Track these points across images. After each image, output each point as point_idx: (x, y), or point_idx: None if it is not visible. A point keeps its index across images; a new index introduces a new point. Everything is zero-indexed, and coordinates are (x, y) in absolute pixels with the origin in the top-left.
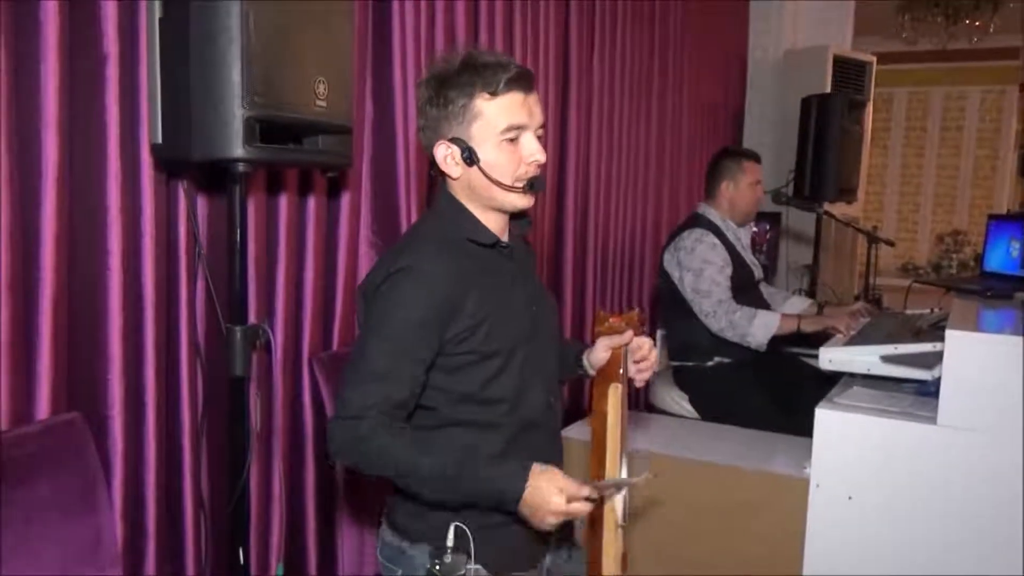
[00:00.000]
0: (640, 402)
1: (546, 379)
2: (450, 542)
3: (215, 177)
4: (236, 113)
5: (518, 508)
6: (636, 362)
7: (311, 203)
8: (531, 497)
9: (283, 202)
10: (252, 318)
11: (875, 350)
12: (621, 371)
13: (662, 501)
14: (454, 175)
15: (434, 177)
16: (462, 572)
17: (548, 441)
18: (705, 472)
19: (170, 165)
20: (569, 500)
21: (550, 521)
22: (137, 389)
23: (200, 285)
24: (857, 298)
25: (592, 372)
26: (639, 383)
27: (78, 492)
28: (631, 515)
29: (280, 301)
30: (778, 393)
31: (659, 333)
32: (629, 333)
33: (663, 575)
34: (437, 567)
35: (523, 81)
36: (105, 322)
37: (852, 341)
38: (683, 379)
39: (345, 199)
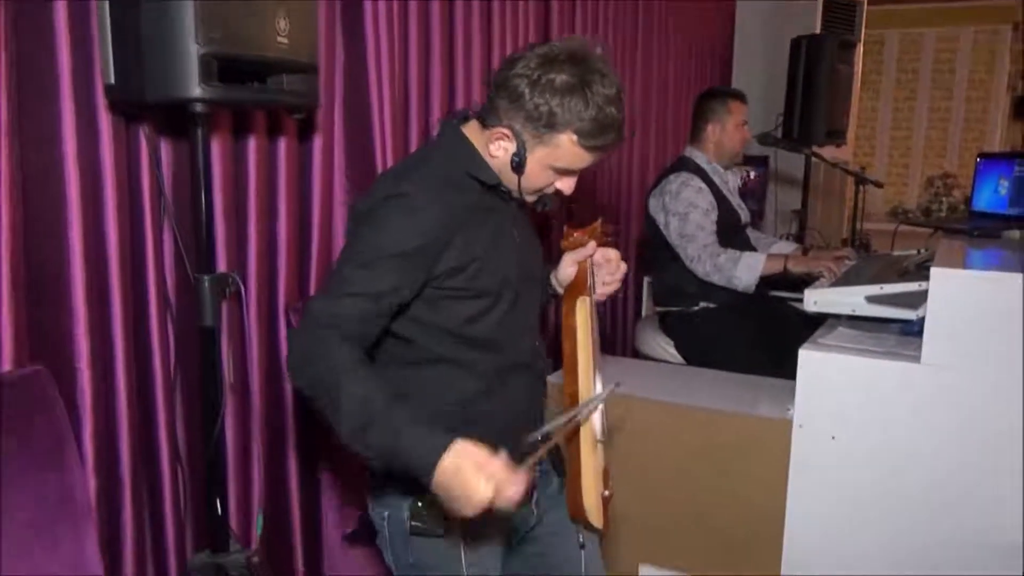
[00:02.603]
0: (626, 348)
1: (532, 323)
2: None
3: (177, 121)
4: (191, 50)
5: (432, 485)
6: (599, 264)
7: (281, 148)
8: (448, 478)
9: (251, 147)
10: (222, 267)
11: (860, 291)
12: (588, 284)
13: (646, 445)
14: (492, 154)
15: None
16: (445, 506)
17: (532, 383)
18: (689, 416)
19: (125, 107)
20: (498, 489)
21: (464, 511)
22: (105, 341)
23: (167, 234)
24: (845, 242)
25: (561, 290)
26: (600, 296)
27: (46, 445)
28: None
29: (252, 250)
30: (764, 337)
31: (645, 280)
32: (592, 244)
33: (650, 517)
34: (419, 504)
35: (613, 147)
36: (67, 273)
37: (837, 282)
38: (669, 325)
39: (317, 144)
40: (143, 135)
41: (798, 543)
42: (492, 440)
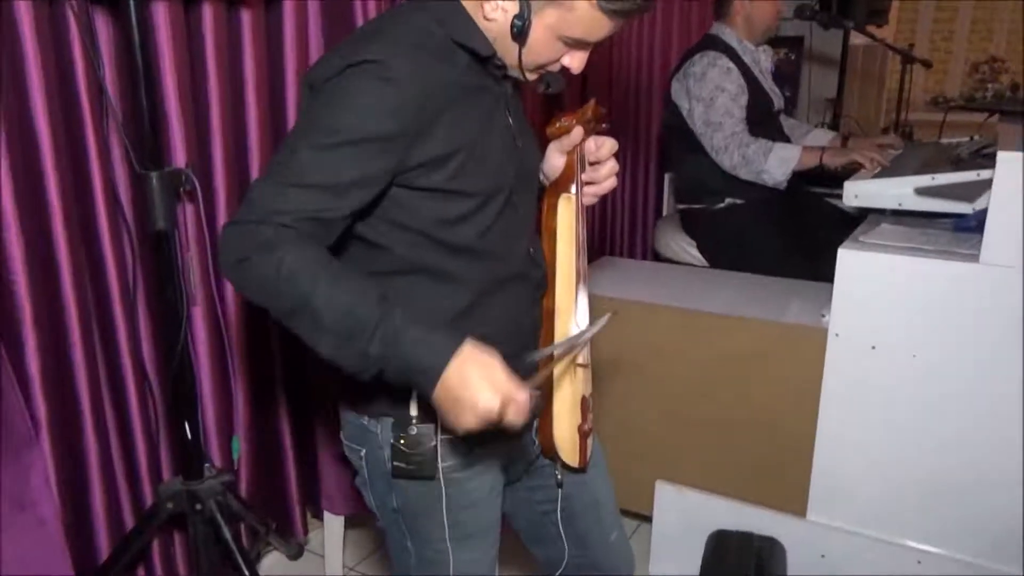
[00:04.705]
0: (646, 251)
1: (527, 228)
2: (414, 412)
3: None
4: None
5: (434, 393)
6: (591, 164)
7: (244, 22)
8: (454, 383)
9: (207, 21)
10: (180, 163)
11: (908, 181)
12: (576, 179)
13: (664, 355)
14: (487, 16)
15: None
16: (433, 444)
17: (527, 295)
18: (710, 323)
19: None
20: (504, 403)
21: (467, 423)
22: (45, 247)
23: (112, 124)
24: (885, 130)
25: (547, 184)
26: (587, 197)
27: None
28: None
29: (217, 144)
30: (798, 237)
31: (667, 176)
32: (579, 131)
33: (668, 432)
34: (401, 441)
35: (638, 13)
36: None
37: (882, 174)
38: (691, 223)
39: (288, 14)
40: (69, 9)
41: (828, 462)
42: None
